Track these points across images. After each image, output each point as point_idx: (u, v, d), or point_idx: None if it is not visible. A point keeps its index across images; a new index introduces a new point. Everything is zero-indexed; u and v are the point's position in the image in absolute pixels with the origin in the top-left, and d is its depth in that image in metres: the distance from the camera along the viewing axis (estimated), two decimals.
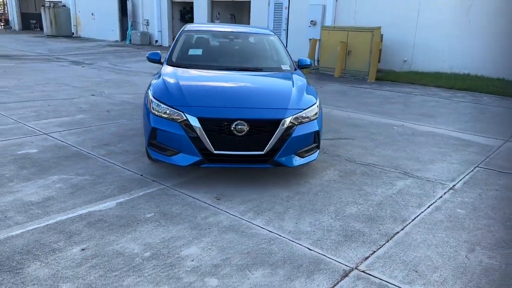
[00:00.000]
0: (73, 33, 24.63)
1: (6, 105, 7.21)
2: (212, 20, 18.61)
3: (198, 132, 3.87)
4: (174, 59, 5.14)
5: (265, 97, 4.26)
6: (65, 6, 24.67)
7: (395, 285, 2.68)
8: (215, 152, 3.93)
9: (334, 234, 3.30)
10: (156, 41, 20.33)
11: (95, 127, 6.08)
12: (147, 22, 20.64)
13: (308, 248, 3.07)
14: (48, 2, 24.71)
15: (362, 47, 11.98)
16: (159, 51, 5.36)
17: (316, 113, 4.33)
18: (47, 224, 3.24)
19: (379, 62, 12.68)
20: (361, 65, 12.12)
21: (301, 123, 4.14)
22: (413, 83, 11.30)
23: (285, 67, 5.20)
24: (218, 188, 4.09)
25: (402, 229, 3.44)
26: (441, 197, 4.15)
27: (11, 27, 30.14)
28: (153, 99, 4.16)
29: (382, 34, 12.45)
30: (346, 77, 12.27)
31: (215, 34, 5.80)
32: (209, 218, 3.46)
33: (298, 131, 4.11)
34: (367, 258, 2.98)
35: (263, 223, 3.43)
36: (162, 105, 4.05)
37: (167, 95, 4.16)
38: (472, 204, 4.00)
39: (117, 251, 2.93)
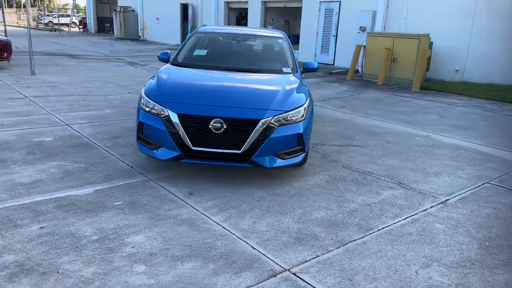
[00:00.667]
0: (139, 36, 26.14)
1: (48, 98, 7.88)
2: (265, 25, 18.85)
3: (177, 127, 4.01)
4: (179, 59, 5.34)
5: (249, 97, 4.29)
6: (134, 10, 26.28)
7: None
8: (193, 148, 4.04)
9: (286, 236, 3.26)
10: None
11: (114, 121, 6.47)
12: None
13: (252, 247, 3.07)
14: (119, 7, 26.49)
15: (408, 55, 11.50)
16: (168, 51, 5.59)
17: (302, 116, 4.29)
18: (23, 203, 3.54)
19: (427, 70, 12.11)
20: (406, 73, 11.64)
21: (283, 124, 4.12)
22: (460, 93, 10.63)
23: (286, 69, 5.19)
24: (197, 183, 4.19)
25: (361, 238, 3.30)
26: (425, 210, 3.91)
27: (88, 30, 32.69)
28: (144, 95, 4.38)
29: (431, 42, 11.87)
30: (390, 85, 11.83)
31: (224, 36, 5.93)
32: (172, 211, 3.57)
33: (278, 133, 4.09)
34: (306, 261, 2.92)
35: (221, 219, 3.47)
36: (150, 101, 4.24)
37: (156, 91, 4.36)
38: (457, 220, 3.73)
39: (70, 232, 3.13)
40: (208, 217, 3.49)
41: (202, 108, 4.07)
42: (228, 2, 20.29)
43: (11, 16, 49.44)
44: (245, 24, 19.68)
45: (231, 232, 3.27)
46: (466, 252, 3.19)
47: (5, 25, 12.94)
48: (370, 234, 3.38)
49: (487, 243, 3.35)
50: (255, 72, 5.03)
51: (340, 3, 15.22)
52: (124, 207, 3.59)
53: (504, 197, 4.33)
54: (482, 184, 4.69)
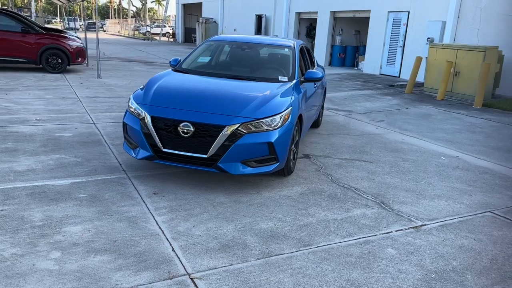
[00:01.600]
0: None
1: (96, 99, 8.64)
2: (333, 36, 18.56)
3: (150, 129, 4.20)
4: (183, 65, 5.55)
5: (222, 103, 4.32)
6: (215, 22, 27.55)
7: None
8: (164, 149, 4.19)
9: (215, 242, 3.23)
10: None
11: None
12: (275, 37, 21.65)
13: (172, 249, 3.10)
14: (202, 18, 27.96)
15: (472, 68, 10.56)
16: (179, 58, 5.84)
17: (276, 124, 4.22)
18: (2, 188, 3.97)
19: (497, 87, 11.02)
20: (469, 88, 10.69)
21: (252, 132, 4.10)
22: None
23: (283, 78, 5.12)
24: (167, 184, 4.33)
25: (291, 253, 3.16)
26: (387, 233, 3.60)
27: (176, 39, 34.95)
28: (131, 98, 4.64)
29: (503, 55, 10.77)
30: (450, 101, 10.95)
31: (231, 44, 6.01)
32: (124, 207, 3.74)
33: (246, 140, 4.08)
34: (214, 269, 2.87)
35: (163, 220, 3.55)
36: (134, 103, 4.50)
37: (140, 94, 4.60)
38: (417, 248, 3.38)
39: (21, 216, 3.44)
40: (153, 217, 3.60)
41: (173, 111, 4.20)
42: (299, 13, 20.36)
43: (115, 25, 54.71)
44: (314, 35, 19.56)
45: (163, 233, 3.33)
46: (400, 282, 2.89)
47: (85, 32, 14.43)
48: (304, 250, 3.21)
49: (433, 276, 2.99)
50: (249, 80, 5.04)
51: (408, 13, 14.48)
52: (84, 200, 3.84)
53: (498, 229, 3.82)
54: (483, 213, 4.18)
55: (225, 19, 26.91)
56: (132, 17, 66.93)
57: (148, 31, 45.43)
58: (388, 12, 15.29)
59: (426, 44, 13.26)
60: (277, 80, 5.07)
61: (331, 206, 4.07)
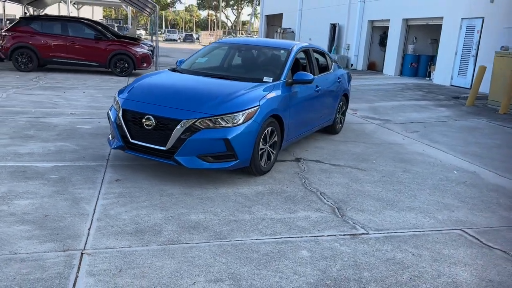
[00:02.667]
0: None
1: None
2: (405, 44, 17.64)
3: (121, 121, 4.51)
4: (182, 65, 5.82)
5: (187, 99, 4.45)
6: (293, 32, 27.81)
7: None
8: (132, 140, 4.47)
9: (133, 227, 3.37)
10: (351, 64, 20.65)
11: None
12: (348, 46, 21.21)
13: (89, 228, 3.31)
14: (280, 28, 28.43)
15: None
16: (184, 59, 6.12)
17: (237, 121, 4.25)
18: None
19: None
20: None
21: (209, 127, 4.19)
22: None
23: (267, 79, 5.10)
24: (135, 174, 4.58)
25: (197, 243, 3.18)
26: (316, 236, 3.43)
27: None
28: (116, 92, 5.01)
29: None
30: None
31: (231, 46, 6.12)
32: (79, 190, 4.06)
33: (202, 135, 4.18)
34: (110, 248, 3.02)
35: (102, 203, 3.78)
36: (117, 97, 4.86)
37: (123, 89, 4.94)
38: (336, 254, 3.18)
39: None
40: (97, 200, 3.86)
41: (140, 105, 4.46)
42: (371, 21, 19.72)
43: (207, 37, 57.97)
44: (386, 43, 18.77)
45: (93, 214, 3.57)
46: (285, 282, 2.76)
47: (156, 41, 15.62)
48: (213, 242, 3.22)
49: (328, 282, 2.81)
50: (233, 80, 5.11)
51: (483, 19, 13.28)
52: (51, 180, 4.25)
53: (453, 248, 3.42)
54: (451, 230, 3.77)
55: (302, 28, 27.02)
56: (225, 28, 70.26)
57: None
58: (462, 19, 14.15)
59: None
60: (261, 81, 5.07)
61: (279, 207, 3.98)
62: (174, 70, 5.67)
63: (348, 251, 3.24)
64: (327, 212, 3.94)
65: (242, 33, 57.19)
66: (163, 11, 77.21)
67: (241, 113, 4.31)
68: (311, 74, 5.32)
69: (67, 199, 3.82)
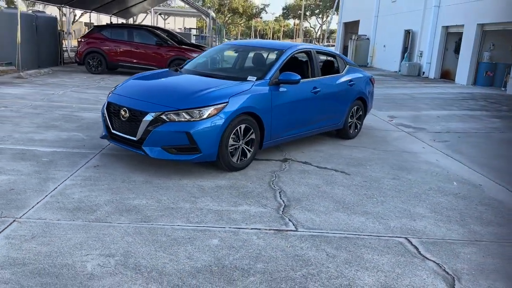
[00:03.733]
0: (367, 63, 26.69)
1: None
2: (480, 51, 16.24)
3: (105, 112, 4.95)
4: (185, 64, 6.13)
5: (160, 94, 4.72)
6: (368, 39, 27.05)
7: None
8: (112, 131, 4.87)
9: (74, 205, 3.69)
10: (423, 72, 19.51)
11: None
12: (420, 54, 20.09)
13: (37, 202, 3.70)
14: (355, 35, 27.82)
15: None
16: (190, 60, 6.44)
17: (199, 116, 4.42)
18: (2, 147, 5.24)
19: None
20: None
21: (173, 121, 4.42)
22: None
23: (251, 78, 5.18)
24: (117, 163, 4.94)
25: (119, 223, 3.40)
26: (237, 228, 3.46)
27: None
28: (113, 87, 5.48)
29: None
30: None
31: (230, 47, 6.28)
32: (55, 172, 4.49)
33: (166, 127, 4.42)
34: (40, 219, 3.37)
35: (67, 183, 4.18)
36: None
37: (117, 85, 5.39)
38: (243, 245, 3.19)
39: None
40: (64, 180, 4.28)
41: (119, 98, 4.84)
42: (446, 27, 18.47)
43: None
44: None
45: (51, 191, 3.97)
46: (171, 264, 2.86)
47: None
48: (134, 224, 3.42)
49: (215, 268, 2.85)
50: (221, 78, 5.26)
51: None
52: (40, 162, 4.78)
53: (376, 254, 3.23)
54: (394, 237, 3.55)
55: (377, 35, 26.16)
56: (311, 37, 70.25)
57: None
58: None
59: None
60: (244, 79, 5.17)
61: (226, 200, 4.06)
62: (175, 70, 6.00)
63: (261, 244, 3.22)
64: (271, 208, 3.92)
65: (327, 41, 56.74)
66: (250, 21, 79.50)
67: (205, 108, 4.46)
68: (297, 75, 5.28)
69: (39, 178, 4.30)
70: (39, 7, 29.10)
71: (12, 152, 5.09)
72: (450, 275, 2.97)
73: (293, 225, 3.61)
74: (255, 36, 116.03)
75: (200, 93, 4.63)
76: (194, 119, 4.42)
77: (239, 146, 4.83)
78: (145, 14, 32.02)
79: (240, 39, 72.51)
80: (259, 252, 3.10)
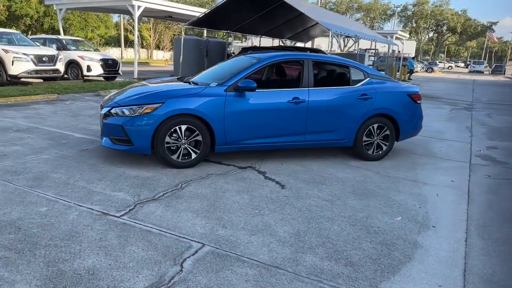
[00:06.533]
0: None
1: None
2: None
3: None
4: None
5: (125, 95, 5.48)
6: None
7: None
8: None
9: (39, 180, 4.63)
10: None
11: None
12: None
13: (7, 165, 5.08)
14: None
15: None
16: None
17: (132, 112, 5.06)
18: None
19: None
20: None
21: (117, 115, 5.20)
22: None
23: (213, 84, 5.41)
24: (113, 153, 5.93)
25: (55, 196, 4.41)
26: (90, 208, 3.99)
27: None
28: None
29: None
30: None
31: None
32: (58, 152, 5.81)
33: (109, 120, 5.23)
34: (7, 183, 4.68)
35: (45, 158, 5.45)
36: None
37: None
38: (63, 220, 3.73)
39: None
40: (49, 156, 5.55)
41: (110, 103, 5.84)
42: None
43: None
44: None
45: (26, 161, 5.30)
46: None
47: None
48: (59, 199, 4.33)
49: (18, 236, 3.52)
50: (194, 84, 5.68)
51: None
52: (60, 143, 6.23)
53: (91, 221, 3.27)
54: (202, 247, 3.45)
55: None
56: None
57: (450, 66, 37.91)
58: None
59: None
60: (207, 85, 5.49)
61: (119, 186, 4.52)
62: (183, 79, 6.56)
63: (69, 219, 3.65)
64: (133, 197, 4.25)
65: None
66: (471, 40, 70.65)
67: (140, 106, 5.08)
68: (254, 83, 5.28)
69: (37, 153, 5.68)
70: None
71: (56, 135, 6.77)
72: None
73: (123, 213, 3.87)
74: (490, 59, 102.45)
75: (142, 94, 5.27)
76: (129, 115, 5.08)
77: (180, 145, 5.20)
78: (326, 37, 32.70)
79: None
80: (50, 223, 3.56)
